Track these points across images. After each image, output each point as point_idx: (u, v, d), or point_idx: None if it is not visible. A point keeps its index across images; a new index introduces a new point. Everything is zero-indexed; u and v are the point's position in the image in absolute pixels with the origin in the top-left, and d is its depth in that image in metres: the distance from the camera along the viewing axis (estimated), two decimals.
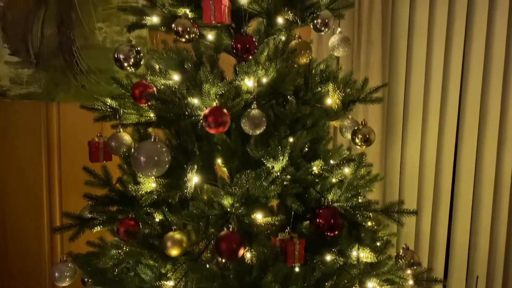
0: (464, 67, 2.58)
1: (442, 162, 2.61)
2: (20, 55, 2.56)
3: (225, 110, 1.31)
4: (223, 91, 1.36)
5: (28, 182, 2.67)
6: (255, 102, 1.38)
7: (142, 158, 1.25)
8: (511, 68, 2.59)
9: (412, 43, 2.54)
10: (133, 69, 1.58)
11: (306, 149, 1.61)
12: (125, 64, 1.56)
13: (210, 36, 1.57)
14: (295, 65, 1.46)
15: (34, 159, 2.65)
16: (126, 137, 1.51)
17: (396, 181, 2.60)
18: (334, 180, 1.50)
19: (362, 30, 2.47)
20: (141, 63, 1.59)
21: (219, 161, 1.61)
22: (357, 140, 1.52)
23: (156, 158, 1.25)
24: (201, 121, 1.33)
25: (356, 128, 1.54)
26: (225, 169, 1.61)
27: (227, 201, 1.33)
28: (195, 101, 1.37)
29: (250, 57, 1.40)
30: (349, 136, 1.65)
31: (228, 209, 1.34)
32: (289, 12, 1.48)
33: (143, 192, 1.44)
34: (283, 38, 1.58)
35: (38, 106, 2.61)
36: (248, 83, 1.41)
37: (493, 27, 2.54)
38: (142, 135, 1.61)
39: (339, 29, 1.66)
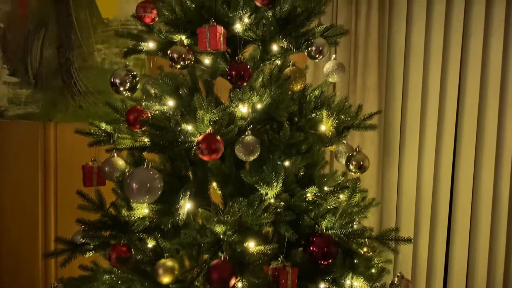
0: (460, 90, 2.60)
1: (439, 185, 2.61)
2: (18, 76, 2.58)
3: (218, 137, 1.31)
4: (217, 118, 1.36)
5: (24, 201, 2.66)
6: (249, 129, 1.39)
7: (134, 185, 1.25)
8: (507, 90, 2.60)
9: (409, 66, 2.56)
10: (129, 93, 1.59)
11: (302, 173, 1.61)
12: (121, 89, 1.56)
13: (207, 60, 1.58)
14: (290, 92, 1.46)
15: (31, 179, 2.64)
16: (120, 162, 1.50)
17: (393, 204, 2.58)
18: (328, 207, 1.49)
19: (359, 53, 2.49)
20: (137, 87, 1.61)
21: (214, 184, 1.60)
22: (351, 167, 1.52)
23: (148, 185, 1.25)
24: (194, 147, 1.33)
25: (350, 154, 1.54)
26: (219, 191, 1.60)
27: (219, 228, 1.32)
28: (189, 127, 1.37)
29: (245, 84, 1.41)
30: (343, 161, 1.65)
31: (221, 236, 1.33)
32: (284, 40, 1.50)
33: (136, 218, 1.43)
34: (278, 62, 1.59)
35: (36, 126, 2.62)
36: (243, 109, 1.42)
37: (489, 49, 2.57)
38: (136, 159, 1.61)
39: (334, 56, 1.67)
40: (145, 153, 1.60)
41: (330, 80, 1.68)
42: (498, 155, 2.60)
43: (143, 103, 1.47)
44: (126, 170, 1.50)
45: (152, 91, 1.61)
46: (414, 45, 2.54)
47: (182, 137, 1.34)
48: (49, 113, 2.59)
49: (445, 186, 2.60)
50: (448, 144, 2.59)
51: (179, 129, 1.36)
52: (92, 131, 1.54)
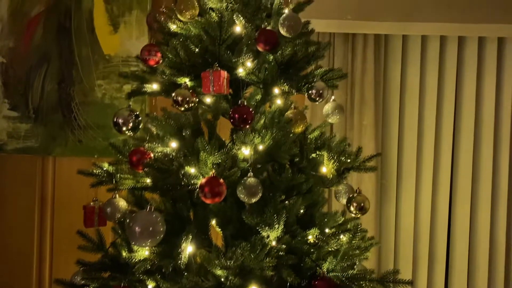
0: (455, 127, 2.64)
1: (437, 221, 2.62)
2: (19, 110, 2.60)
3: (221, 180, 1.32)
4: (220, 160, 1.38)
5: (20, 236, 2.63)
6: (251, 171, 1.40)
7: (137, 228, 1.25)
8: (501, 126, 2.64)
9: (404, 104, 2.61)
10: (131, 133, 1.61)
11: (302, 209, 1.62)
12: (124, 128, 1.59)
13: (208, 99, 1.60)
14: (291, 134, 1.49)
15: (27, 213, 2.62)
16: (122, 203, 1.51)
17: (391, 240, 2.58)
18: (329, 249, 1.50)
19: (355, 91, 2.54)
20: (140, 127, 1.63)
21: (213, 222, 1.60)
22: (352, 208, 1.53)
23: (151, 229, 1.25)
24: (197, 190, 1.34)
25: (351, 196, 1.55)
26: (219, 230, 1.60)
27: (221, 272, 1.32)
28: (192, 170, 1.38)
29: (247, 126, 1.44)
30: (343, 201, 1.66)
31: (222, 280, 1.33)
32: (285, 83, 1.54)
33: (137, 260, 1.42)
34: (279, 101, 1.63)
35: (34, 160, 2.62)
36: (245, 151, 1.44)
37: (482, 87, 2.62)
38: (137, 198, 1.62)
39: (333, 97, 1.71)
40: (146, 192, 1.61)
41: (330, 121, 1.71)
42: (494, 190, 2.63)
43: (146, 145, 1.49)
44: (128, 211, 1.50)
45: (155, 131, 1.63)
46: (409, 84, 2.60)
47: (185, 179, 1.35)
48: (48, 147, 2.59)
49: (442, 222, 2.61)
50: (445, 180, 2.61)
51: (182, 172, 1.37)
52: (94, 171, 1.55)
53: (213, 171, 1.34)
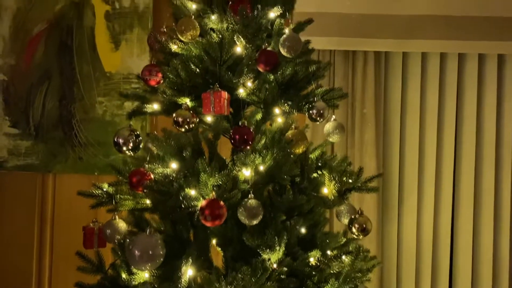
0: (457, 143, 2.63)
1: (439, 240, 2.59)
2: (20, 127, 2.60)
3: (221, 203, 1.31)
4: (220, 182, 1.37)
5: (18, 253, 2.61)
6: (252, 192, 1.39)
7: (136, 252, 1.23)
8: (502, 142, 2.63)
9: (405, 121, 2.61)
10: (131, 153, 1.60)
11: (303, 230, 1.60)
12: (124, 148, 1.58)
13: (209, 118, 1.60)
14: (292, 155, 1.48)
15: (27, 231, 2.60)
16: (121, 224, 1.49)
17: (393, 259, 2.55)
18: (331, 271, 1.48)
19: (356, 107, 2.54)
20: (140, 146, 1.62)
21: (214, 241, 1.59)
22: (354, 230, 1.52)
23: (150, 252, 1.24)
24: (197, 212, 1.33)
25: (352, 217, 1.54)
26: (219, 250, 1.59)
27: None
28: (192, 192, 1.37)
29: (248, 147, 1.43)
30: (345, 221, 1.65)
31: None
32: (285, 103, 1.53)
33: (136, 282, 1.40)
34: (279, 120, 1.62)
35: (34, 177, 2.61)
36: (246, 172, 1.43)
37: (483, 103, 2.61)
38: (137, 218, 1.61)
39: (333, 117, 1.70)
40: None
41: (330, 140, 1.70)
42: (497, 206, 2.60)
43: (146, 165, 1.48)
44: (128, 233, 1.49)
45: (155, 150, 1.62)
46: (410, 100, 2.59)
47: (185, 202, 1.34)
48: (48, 165, 2.59)
49: (445, 240, 2.59)
50: (447, 197, 2.59)
51: (182, 194, 1.36)
52: (94, 192, 1.54)
53: (214, 193, 1.33)
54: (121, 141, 1.58)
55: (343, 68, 2.56)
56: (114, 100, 2.58)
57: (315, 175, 1.60)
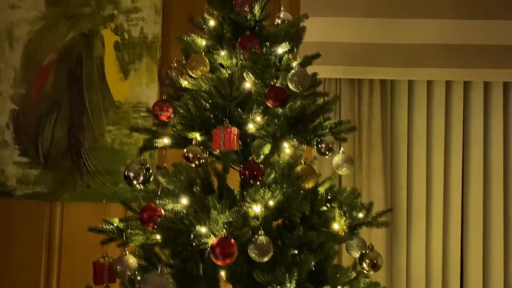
0: (464, 169, 2.62)
1: (449, 267, 2.56)
2: (29, 156, 2.62)
3: (232, 241, 1.31)
4: (231, 219, 1.37)
5: (26, 282, 2.60)
6: (262, 229, 1.39)
7: None
8: (510, 169, 2.63)
9: (412, 148, 2.61)
10: (142, 186, 1.61)
11: (313, 264, 1.59)
12: (134, 182, 1.59)
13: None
14: (301, 191, 1.49)
15: (34, 260, 2.60)
16: (132, 260, 1.50)
17: (403, 286, 2.53)
18: None
19: (363, 134, 2.55)
20: (150, 179, 1.63)
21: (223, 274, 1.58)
22: (364, 265, 1.51)
23: None
24: (208, 249, 1.33)
25: (363, 252, 1.53)
26: (229, 283, 1.58)
27: None
28: (202, 229, 1.38)
29: (258, 183, 1.44)
30: (355, 255, 1.64)
31: None
32: (294, 138, 1.55)
33: None
34: (288, 153, 1.63)
35: (42, 206, 2.62)
36: (256, 208, 1.43)
37: (489, 130, 2.62)
38: (147, 252, 1.61)
39: (341, 149, 1.71)
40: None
41: (339, 172, 1.71)
42: (506, 233, 2.58)
43: (157, 201, 1.49)
44: (138, 268, 1.49)
45: (164, 182, 1.63)
46: (416, 128, 2.60)
47: (196, 240, 1.34)
48: (56, 193, 2.60)
49: (454, 267, 2.56)
50: (456, 224, 2.57)
51: (193, 231, 1.37)
52: (105, 227, 1.54)
53: (224, 231, 1.33)
54: (131, 174, 1.59)
55: (349, 96, 2.58)
56: (123, 129, 2.60)
57: (324, 208, 1.60)
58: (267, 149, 1.67)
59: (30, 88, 2.64)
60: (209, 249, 1.32)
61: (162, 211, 1.48)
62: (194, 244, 1.34)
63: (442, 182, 2.58)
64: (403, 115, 2.61)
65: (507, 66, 2.50)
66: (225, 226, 1.35)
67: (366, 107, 2.56)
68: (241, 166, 1.46)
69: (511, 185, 2.62)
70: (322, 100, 1.73)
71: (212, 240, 1.33)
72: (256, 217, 1.44)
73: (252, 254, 1.38)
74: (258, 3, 1.66)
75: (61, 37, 2.65)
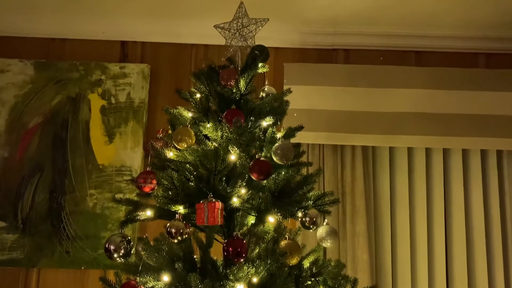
0: (447, 235, 2.63)
1: None
2: (7, 220, 2.55)
3: None
4: None
5: None
6: None
7: None
8: (492, 233, 2.64)
9: (395, 213, 2.63)
10: (122, 259, 1.57)
11: None
12: (115, 255, 1.56)
13: None
14: (286, 268, 1.47)
15: None
16: None
17: None
18: None
19: (346, 200, 2.57)
20: (131, 252, 1.60)
21: None
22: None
23: None
24: None
25: None
26: None
27: None
28: None
29: (242, 260, 1.42)
30: None
31: None
32: (278, 212, 1.55)
33: None
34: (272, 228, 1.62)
35: (17, 273, 2.52)
36: (239, 287, 1.40)
37: (470, 194, 2.66)
38: None
39: (325, 221, 1.72)
40: None
41: (323, 245, 1.70)
42: None
43: (138, 279, 1.45)
44: None
45: (145, 257, 1.60)
46: (399, 192, 2.63)
47: None
48: (33, 259, 2.51)
49: None
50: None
51: None
52: None
53: None
54: (112, 247, 1.56)
55: (332, 161, 2.62)
56: (105, 193, 2.57)
57: (309, 283, 1.57)
58: (251, 219, 1.66)
59: (13, 151, 2.61)
60: None
61: None
62: None
63: (426, 246, 2.57)
64: (385, 180, 2.65)
65: (484, 134, 2.59)
66: None
67: (349, 172, 2.60)
68: (225, 242, 1.44)
69: (493, 246, 2.62)
70: (306, 170, 1.76)
71: None
72: None
73: None
74: (243, 78, 1.72)
75: (48, 100, 2.67)
